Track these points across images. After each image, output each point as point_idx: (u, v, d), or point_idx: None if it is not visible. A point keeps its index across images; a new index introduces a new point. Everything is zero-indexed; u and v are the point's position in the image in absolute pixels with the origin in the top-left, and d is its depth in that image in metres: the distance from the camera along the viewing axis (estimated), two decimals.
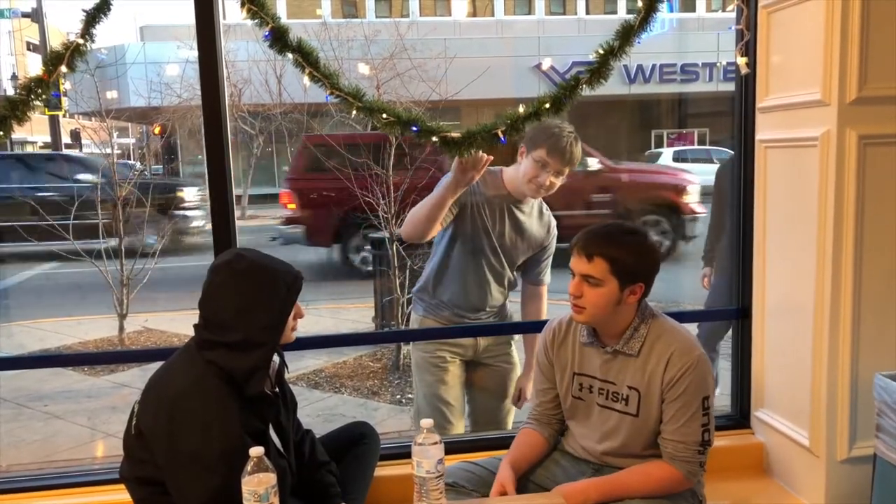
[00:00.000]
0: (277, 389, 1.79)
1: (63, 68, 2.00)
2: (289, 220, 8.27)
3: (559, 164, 2.43)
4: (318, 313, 6.60)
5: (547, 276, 2.70)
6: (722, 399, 2.67)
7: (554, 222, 2.65)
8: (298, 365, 5.15)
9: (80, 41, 2.00)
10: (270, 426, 1.71)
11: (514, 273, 2.65)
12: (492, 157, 2.32)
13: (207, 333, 1.65)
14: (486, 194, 2.51)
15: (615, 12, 25.29)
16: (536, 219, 2.60)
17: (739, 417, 2.57)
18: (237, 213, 2.33)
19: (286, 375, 1.87)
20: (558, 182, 2.47)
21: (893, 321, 2.11)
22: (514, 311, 2.78)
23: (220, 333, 1.63)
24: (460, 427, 2.65)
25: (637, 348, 1.82)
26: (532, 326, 2.71)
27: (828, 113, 2.03)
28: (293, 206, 8.21)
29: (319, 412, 4.37)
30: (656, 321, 1.85)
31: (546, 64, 15.68)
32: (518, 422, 2.76)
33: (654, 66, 18.49)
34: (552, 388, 2.00)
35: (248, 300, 1.64)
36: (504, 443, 2.14)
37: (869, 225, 2.05)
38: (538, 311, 2.72)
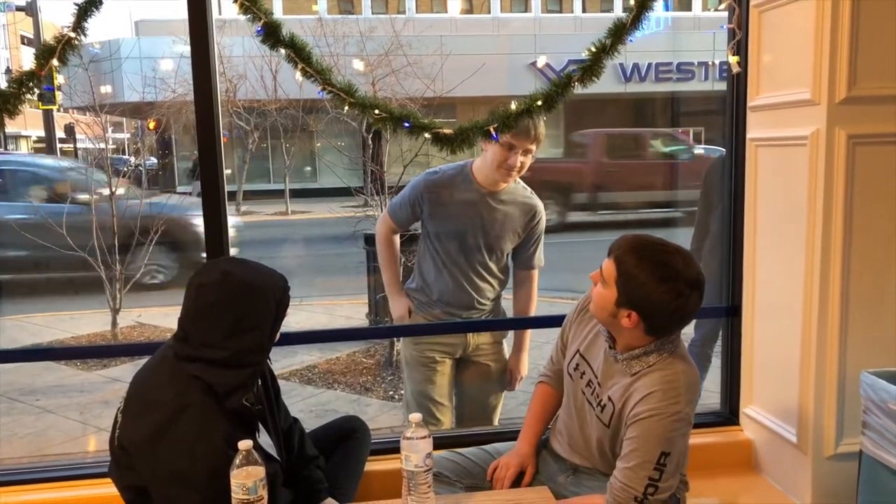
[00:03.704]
0: (260, 383, 1.77)
1: (55, 62, 2.00)
2: None
3: (526, 143, 2.41)
4: (311, 309, 6.60)
5: (537, 259, 2.67)
6: (711, 396, 2.68)
7: (541, 205, 2.62)
8: (292, 360, 5.16)
9: (72, 35, 2.00)
10: (260, 426, 1.71)
11: (503, 265, 2.63)
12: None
13: (189, 349, 1.60)
14: (460, 196, 2.52)
15: (611, 11, 25.29)
16: (519, 204, 2.58)
17: (728, 414, 2.59)
18: (231, 208, 2.33)
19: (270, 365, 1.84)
20: (528, 161, 2.47)
21: (881, 319, 2.13)
22: (508, 309, 2.78)
23: (203, 350, 1.59)
24: (448, 424, 2.66)
25: (636, 370, 1.72)
26: (522, 323, 2.71)
27: (817, 112, 2.05)
28: None
29: (312, 408, 4.38)
30: (671, 360, 1.71)
31: (541, 62, 15.68)
32: (505, 418, 2.77)
33: (649, 64, 18.49)
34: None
35: (237, 324, 1.59)
36: (491, 438, 2.15)
37: (857, 224, 2.07)
38: (528, 296, 2.69)
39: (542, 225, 2.64)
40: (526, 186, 2.63)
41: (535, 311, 2.73)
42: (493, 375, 2.69)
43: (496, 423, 2.71)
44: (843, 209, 2.05)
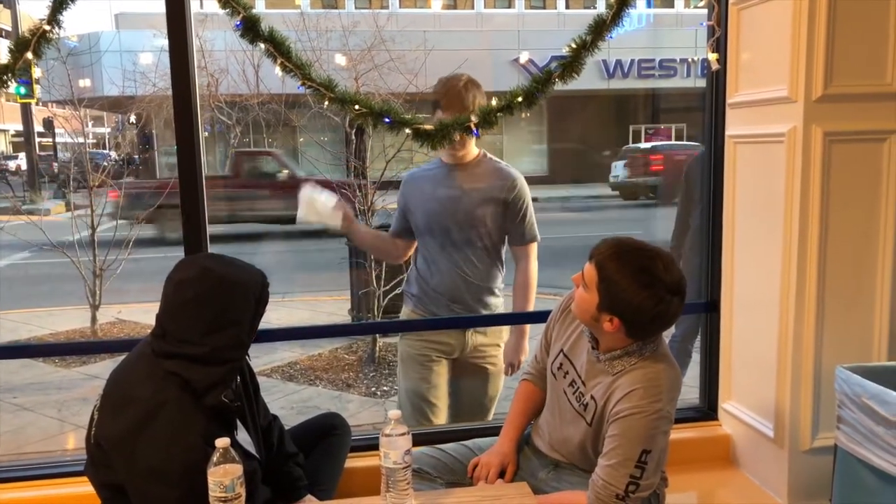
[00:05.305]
0: (239, 380, 1.76)
1: (29, 55, 1.97)
2: None
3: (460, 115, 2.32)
4: (293, 305, 6.57)
5: (529, 232, 2.58)
6: (691, 392, 2.70)
7: (517, 174, 2.55)
8: (273, 357, 5.14)
9: (47, 27, 1.97)
10: (238, 422, 1.70)
11: (494, 242, 2.56)
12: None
13: (167, 345, 1.59)
14: (435, 180, 2.54)
15: (594, 7, 25.35)
16: (491, 172, 2.54)
17: (707, 410, 2.61)
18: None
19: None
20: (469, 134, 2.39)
21: (856, 315, 2.15)
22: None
23: (181, 347, 1.58)
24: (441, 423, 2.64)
25: (617, 370, 1.73)
26: (513, 318, 2.68)
27: (794, 109, 2.07)
28: None
29: (293, 404, 4.36)
30: (653, 359, 1.72)
31: (524, 58, 15.70)
32: (499, 413, 2.76)
33: (632, 61, 18.59)
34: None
35: (217, 320, 1.58)
36: (472, 434, 2.16)
37: (833, 220, 2.09)
38: (525, 272, 2.61)
39: (524, 195, 2.56)
40: (500, 160, 2.60)
41: (534, 288, 2.65)
42: (490, 378, 2.64)
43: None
44: (819, 205, 2.08)
